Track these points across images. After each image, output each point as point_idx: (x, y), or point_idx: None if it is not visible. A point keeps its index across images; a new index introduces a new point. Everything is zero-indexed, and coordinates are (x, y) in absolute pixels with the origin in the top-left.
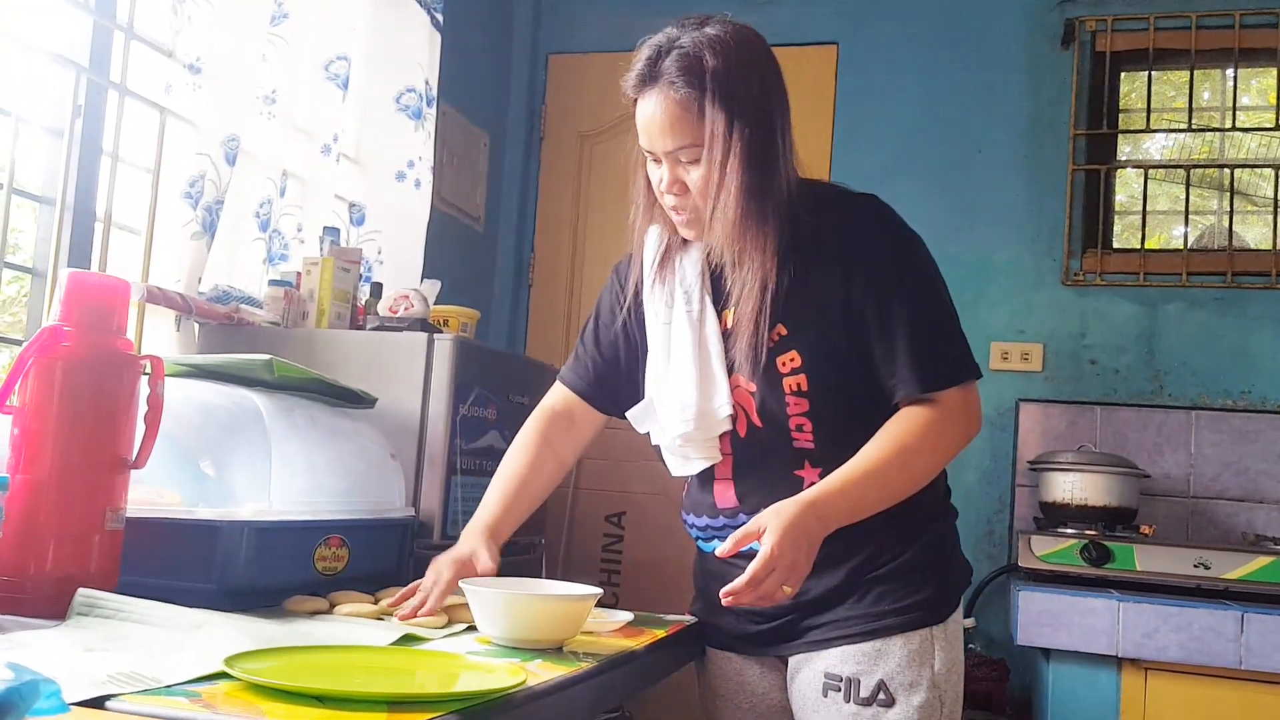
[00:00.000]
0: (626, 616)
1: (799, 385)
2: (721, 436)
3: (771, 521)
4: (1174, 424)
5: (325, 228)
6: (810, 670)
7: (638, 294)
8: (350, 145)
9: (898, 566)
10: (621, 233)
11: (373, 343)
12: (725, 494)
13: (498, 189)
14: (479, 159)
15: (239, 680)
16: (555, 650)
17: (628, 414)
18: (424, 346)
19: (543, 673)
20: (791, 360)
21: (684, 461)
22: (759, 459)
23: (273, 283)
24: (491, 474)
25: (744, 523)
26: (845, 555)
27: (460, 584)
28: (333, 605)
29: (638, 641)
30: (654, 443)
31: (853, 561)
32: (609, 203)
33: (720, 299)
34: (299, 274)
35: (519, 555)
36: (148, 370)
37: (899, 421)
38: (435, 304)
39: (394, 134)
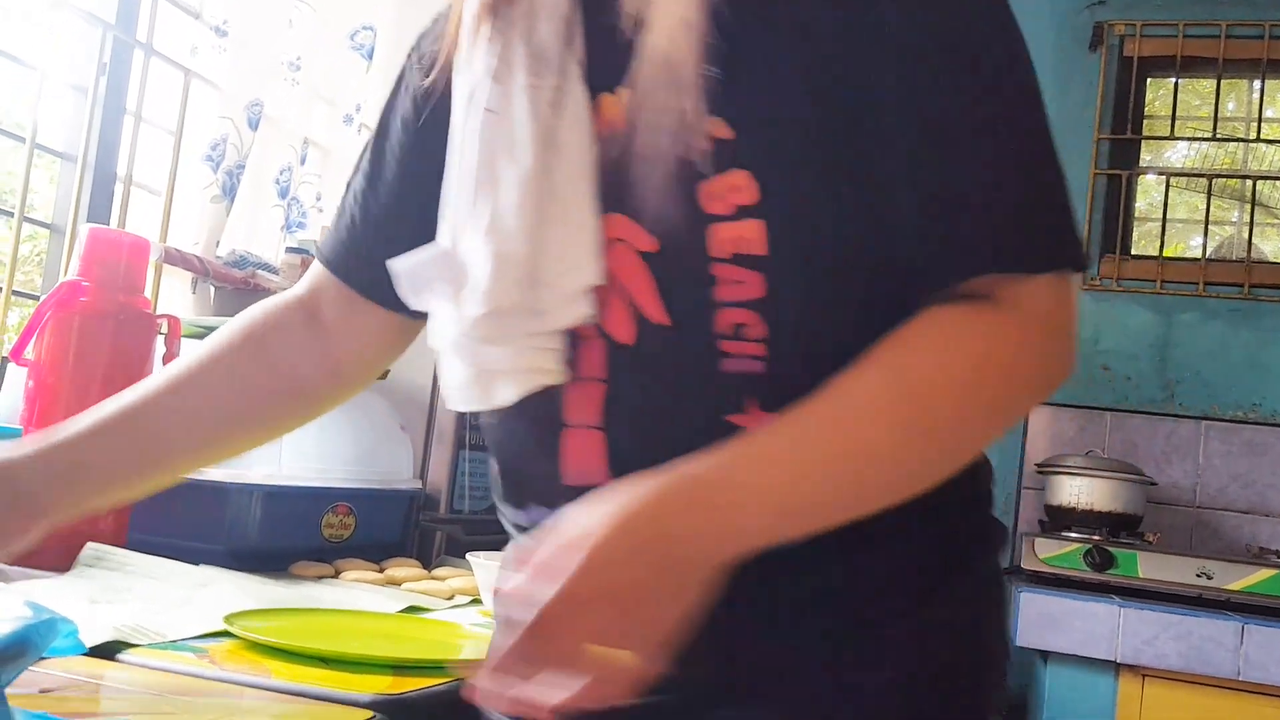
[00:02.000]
0: None
1: (745, 244)
2: (580, 343)
3: (581, 521)
4: (1184, 433)
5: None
6: None
7: (449, 69)
8: (372, 116)
9: (903, 635)
10: None
11: None
12: (585, 458)
13: None
14: None
15: (244, 638)
16: None
17: (395, 268)
18: None
19: None
20: (735, 191)
21: (483, 383)
22: (657, 391)
23: (289, 250)
24: None
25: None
26: (794, 600)
27: (468, 557)
28: (338, 572)
29: None
30: (431, 343)
31: (810, 615)
32: None
33: (603, 73)
34: (316, 242)
35: None
36: (164, 330)
37: (932, 328)
38: None
39: None
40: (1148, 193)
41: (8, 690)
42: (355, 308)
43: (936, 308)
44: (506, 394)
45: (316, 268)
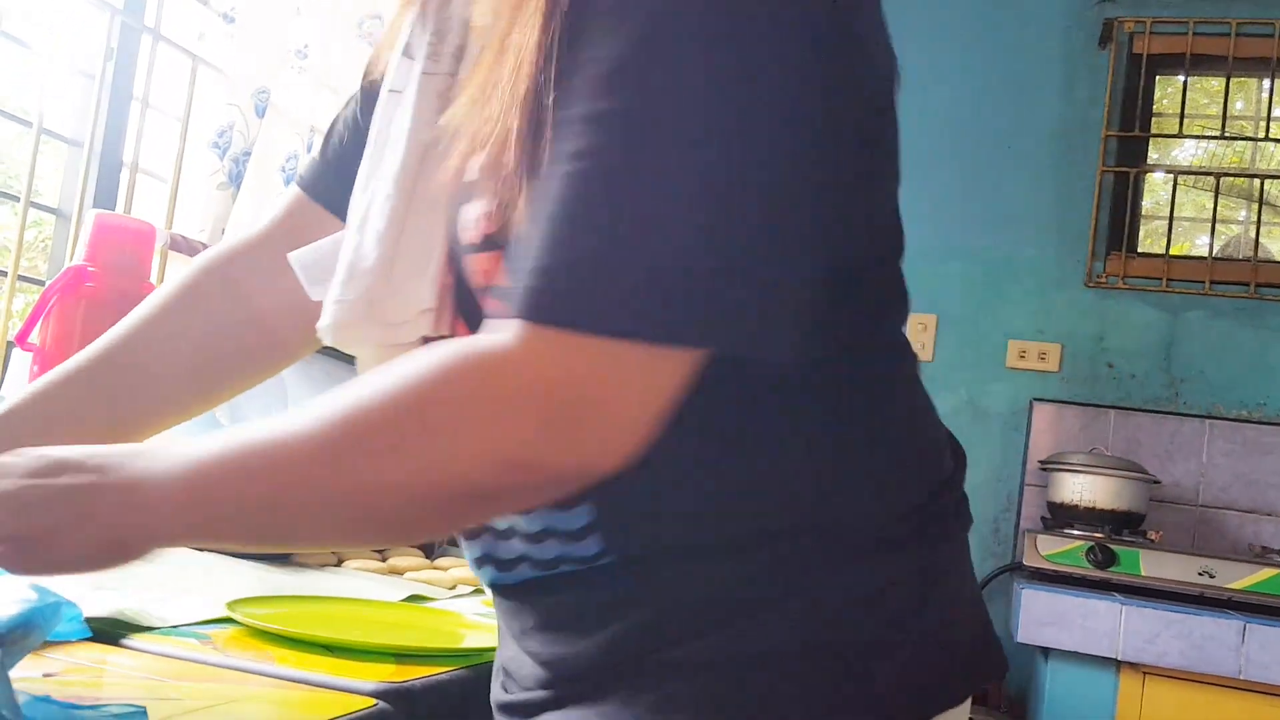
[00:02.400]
0: None
1: (490, 276)
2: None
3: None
4: (1188, 432)
5: None
6: None
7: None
8: None
9: (706, 651)
10: None
11: None
12: None
13: None
14: None
15: (247, 625)
16: None
17: (293, 260)
18: None
19: None
20: (482, 219)
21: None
22: None
23: None
24: None
25: (483, 531)
26: (612, 611)
27: None
28: (340, 560)
29: None
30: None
31: (618, 626)
32: None
33: None
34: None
35: None
36: None
37: (420, 357)
38: None
39: None
40: (1154, 191)
41: (10, 674)
42: (328, 231)
43: (448, 347)
44: None
45: (291, 193)
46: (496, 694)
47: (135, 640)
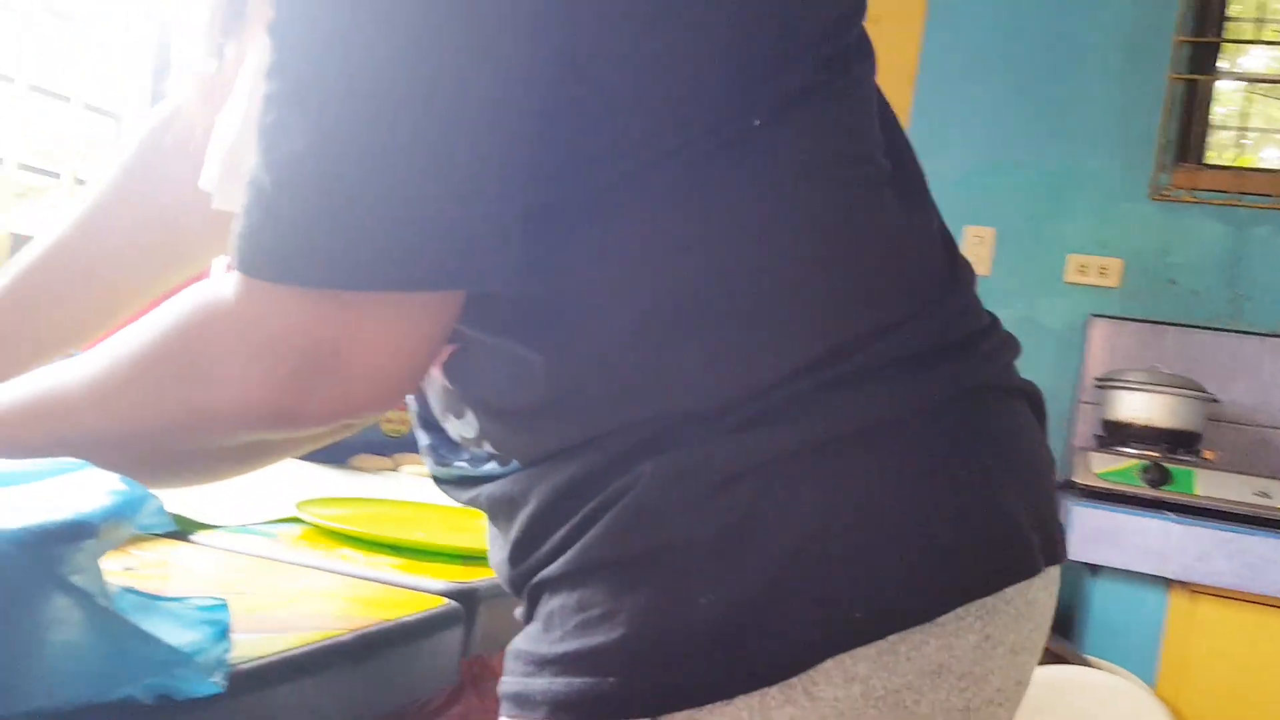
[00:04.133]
0: None
1: None
2: None
3: None
4: (1249, 350)
5: None
6: None
7: None
8: None
9: (572, 561)
10: None
11: None
12: None
13: None
14: None
15: (310, 525)
16: None
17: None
18: None
19: None
20: None
21: None
22: None
23: None
24: None
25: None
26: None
27: None
28: (397, 466)
29: None
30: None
31: (514, 531)
32: None
33: None
34: None
35: None
36: None
37: (173, 307)
38: None
39: None
40: (1221, 100)
41: None
42: None
43: (199, 290)
44: None
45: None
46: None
47: (205, 537)
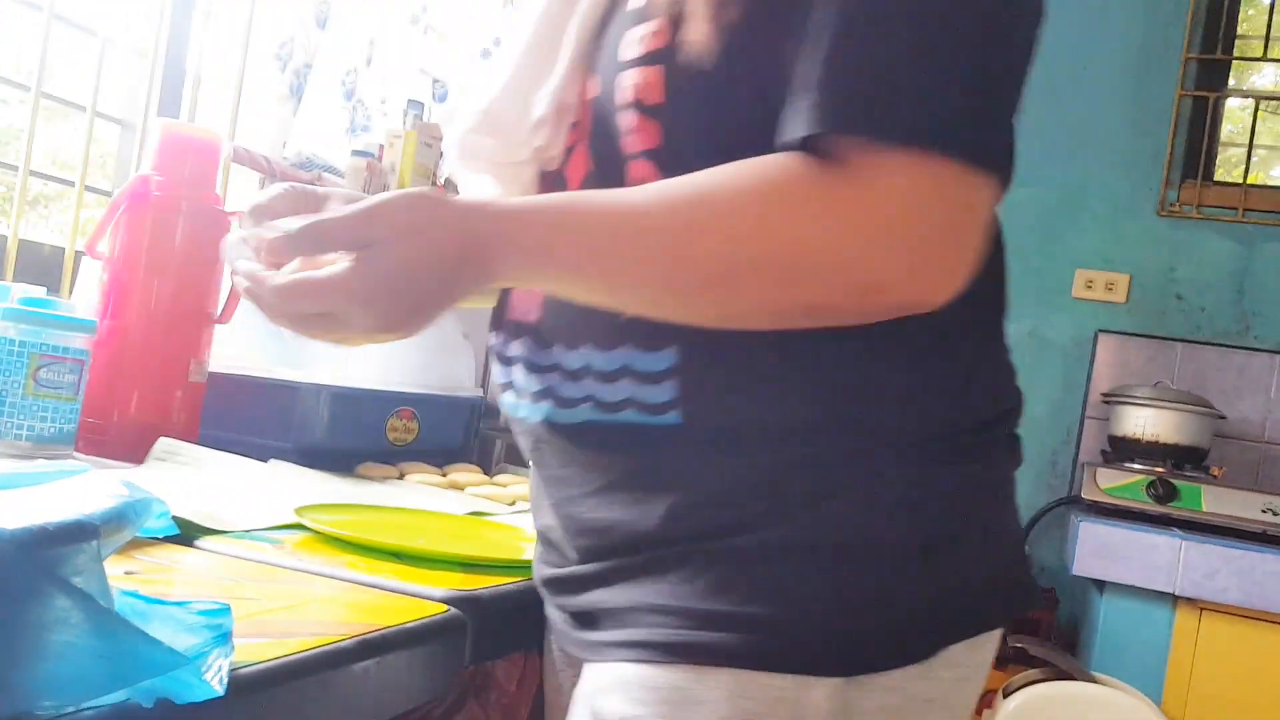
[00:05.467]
0: None
1: (645, 90)
2: (547, 188)
3: (385, 208)
4: (1256, 367)
5: (409, 101)
6: (582, 700)
7: None
8: (438, 18)
9: (773, 539)
10: None
11: None
12: (524, 295)
13: None
14: None
15: (315, 532)
16: None
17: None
18: None
19: None
20: (649, 37)
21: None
22: None
23: (355, 153)
24: None
25: (540, 369)
26: (671, 480)
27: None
28: (402, 474)
29: None
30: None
31: (677, 497)
32: None
33: None
34: (381, 146)
35: None
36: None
37: (747, 167)
38: None
39: (481, 8)
40: (1231, 118)
41: None
42: None
43: (770, 156)
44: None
45: None
46: (539, 569)
47: (209, 542)
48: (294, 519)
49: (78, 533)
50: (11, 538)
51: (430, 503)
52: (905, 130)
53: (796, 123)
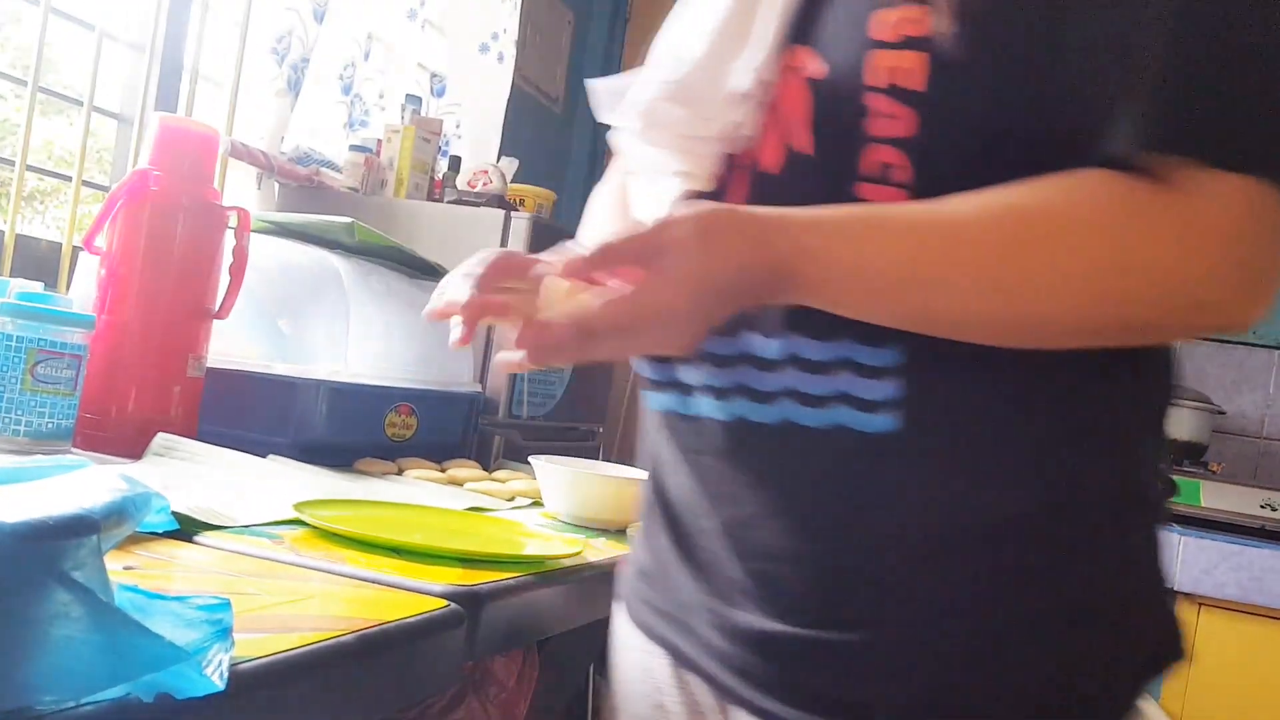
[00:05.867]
0: None
1: (903, 75)
2: (733, 171)
3: (679, 219)
4: (1256, 363)
5: (407, 95)
6: None
7: None
8: (435, 12)
9: (1031, 610)
10: None
11: (449, 216)
12: None
13: (579, 70)
14: (562, 38)
15: (314, 527)
16: (619, 532)
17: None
18: (500, 223)
19: (607, 550)
20: (908, 23)
21: (653, 189)
22: None
23: (353, 148)
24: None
25: (729, 360)
26: (875, 502)
27: (530, 460)
28: (401, 470)
29: None
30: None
31: (881, 528)
32: None
33: None
34: (379, 141)
35: (579, 441)
36: (233, 223)
37: (1069, 180)
38: (512, 183)
39: (479, 2)
40: None
41: None
42: None
43: (1096, 170)
44: (667, 194)
45: None
46: (704, 625)
47: (208, 538)
48: (293, 514)
49: (78, 526)
50: (12, 531)
51: (429, 498)
52: (1242, 156)
53: (1124, 137)
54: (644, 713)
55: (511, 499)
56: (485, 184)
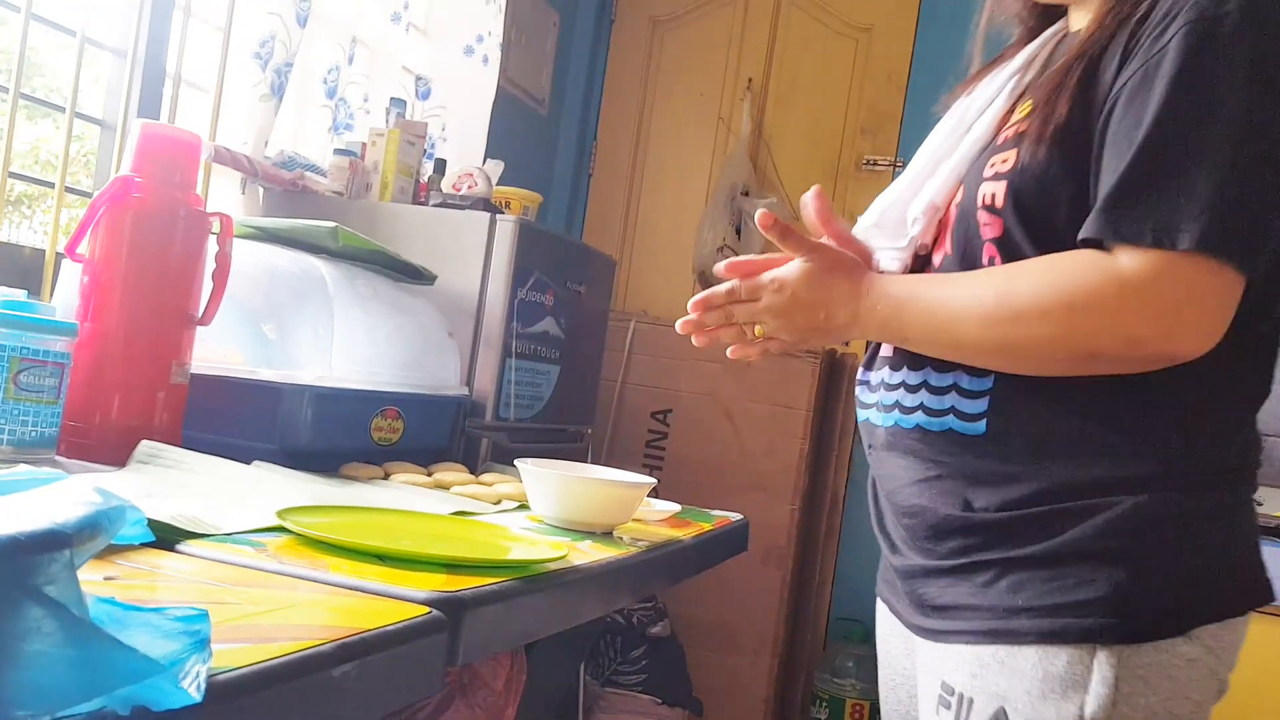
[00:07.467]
0: (674, 507)
1: (992, 197)
2: (918, 264)
3: (817, 249)
4: None
5: (392, 99)
6: (929, 674)
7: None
8: (420, 14)
9: (1051, 548)
10: (688, 124)
11: (435, 219)
12: None
13: (564, 72)
14: (547, 39)
15: (295, 534)
16: (605, 534)
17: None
18: (486, 226)
19: (593, 553)
20: (1004, 161)
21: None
22: None
23: (337, 152)
24: (546, 360)
25: (892, 386)
26: (972, 477)
27: (516, 463)
28: (387, 474)
29: (684, 532)
30: None
31: (975, 492)
32: (677, 93)
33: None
34: (364, 145)
35: (567, 443)
36: (216, 229)
37: (1046, 258)
38: (497, 185)
39: (464, 5)
40: None
41: None
42: None
43: (1071, 254)
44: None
45: None
46: (886, 561)
47: (191, 546)
48: (276, 522)
49: (50, 542)
50: None
51: (415, 503)
52: (1152, 236)
53: (1087, 227)
54: (885, 652)
55: (498, 502)
56: (471, 187)
